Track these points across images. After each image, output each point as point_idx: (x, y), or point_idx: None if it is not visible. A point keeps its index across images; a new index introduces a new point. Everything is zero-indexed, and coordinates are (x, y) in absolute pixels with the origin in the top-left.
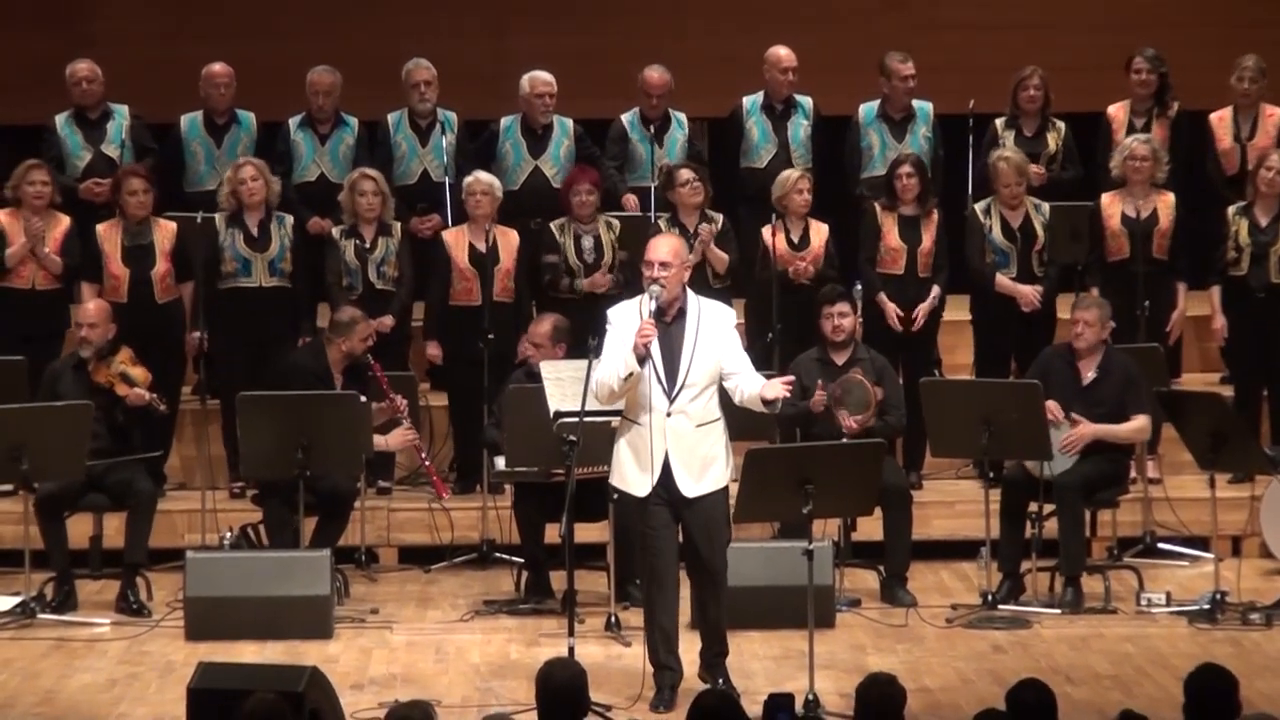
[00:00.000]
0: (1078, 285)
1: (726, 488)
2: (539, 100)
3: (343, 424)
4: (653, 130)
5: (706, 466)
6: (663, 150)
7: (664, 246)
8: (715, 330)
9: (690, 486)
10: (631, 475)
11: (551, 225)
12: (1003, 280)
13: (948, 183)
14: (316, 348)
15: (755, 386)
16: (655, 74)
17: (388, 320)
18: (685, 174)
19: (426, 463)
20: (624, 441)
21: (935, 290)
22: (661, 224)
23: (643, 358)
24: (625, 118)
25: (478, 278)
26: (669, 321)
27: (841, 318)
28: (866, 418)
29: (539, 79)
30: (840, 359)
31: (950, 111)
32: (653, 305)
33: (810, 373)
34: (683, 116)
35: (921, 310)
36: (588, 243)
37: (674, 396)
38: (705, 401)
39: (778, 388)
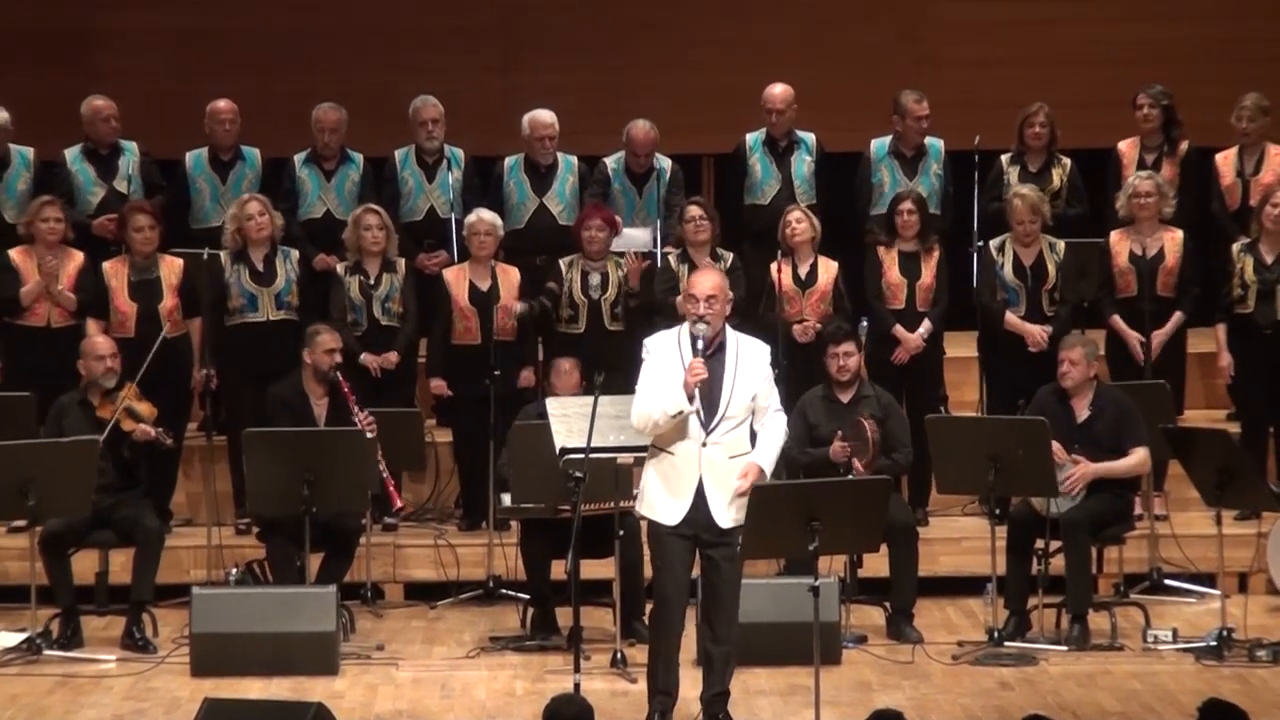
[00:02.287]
0: (1084, 321)
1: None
2: (539, 143)
3: (348, 460)
4: (634, 184)
5: (739, 497)
6: (641, 202)
7: (708, 281)
8: (753, 365)
9: (724, 517)
10: (661, 503)
11: (561, 261)
12: (1011, 318)
13: (955, 219)
14: (295, 377)
15: (760, 441)
16: (641, 131)
17: (392, 357)
18: (692, 210)
19: (384, 473)
20: (654, 471)
21: (925, 324)
22: (671, 260)
23: (692, 396)
24: (610, 163)
25: (478, 316)
26: (709, 354)
27: (846, 357)
28: (869, 460)
29: (539, 120)
30: (846, 397)
31: (956, 148)
32: (700, 344)
33: (817, 411)
34: (666, 165)
35: (910, 341)
36: (595, 279)
37: (712, 428)
38: (740, 434)
39: (744, 484)
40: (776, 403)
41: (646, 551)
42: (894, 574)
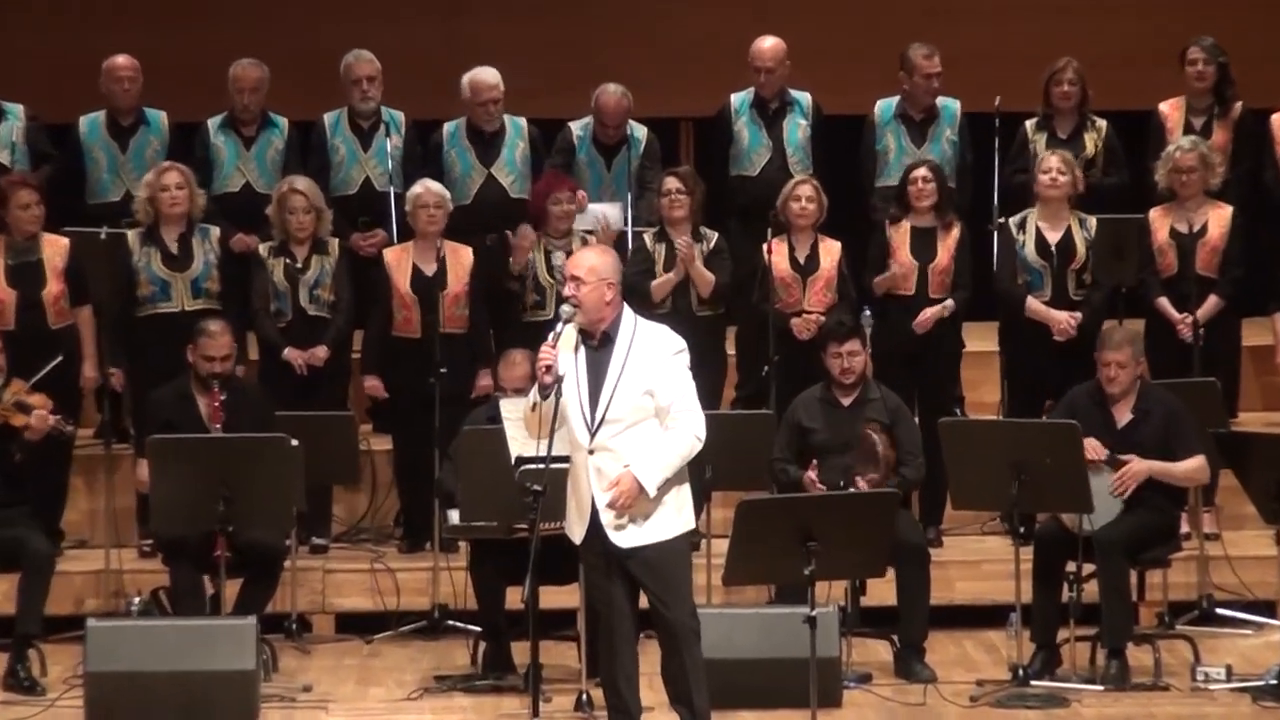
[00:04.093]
0: (1121, 308)
1: (683, 537)
2: (482, 108)
3: (271, 471)
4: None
5: (644, 515)
6: (610, 176)
7: (580, 261)
8: (648, 357)
9: (620, 536)
10: (572, 518)
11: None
12: (1034, 305)
13: (974, 193)
14: (181, 379)
15: (651, 445)
16: (612, 100)
17: (320, 352)
18: (669, 182)
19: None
20: (569, 481)
21: (949, 302)
22: (646, 239)
23: (546, 387)
24: (576, 129)
25: (417, 305)
26: (595, 347)
27: (852, 357)
28: (879, 480)
29: (481, 82)
30: (847, 399)
31: (973, 110)
32: (560, 328)
33: (813, 414)
34: (641, 134)
35: (929, 314)
36: (560, 259)
37: (594, 431)
38: (636, 439)
39: (612, 495)
40: (688, 403)
41: None
42: (902, 602)
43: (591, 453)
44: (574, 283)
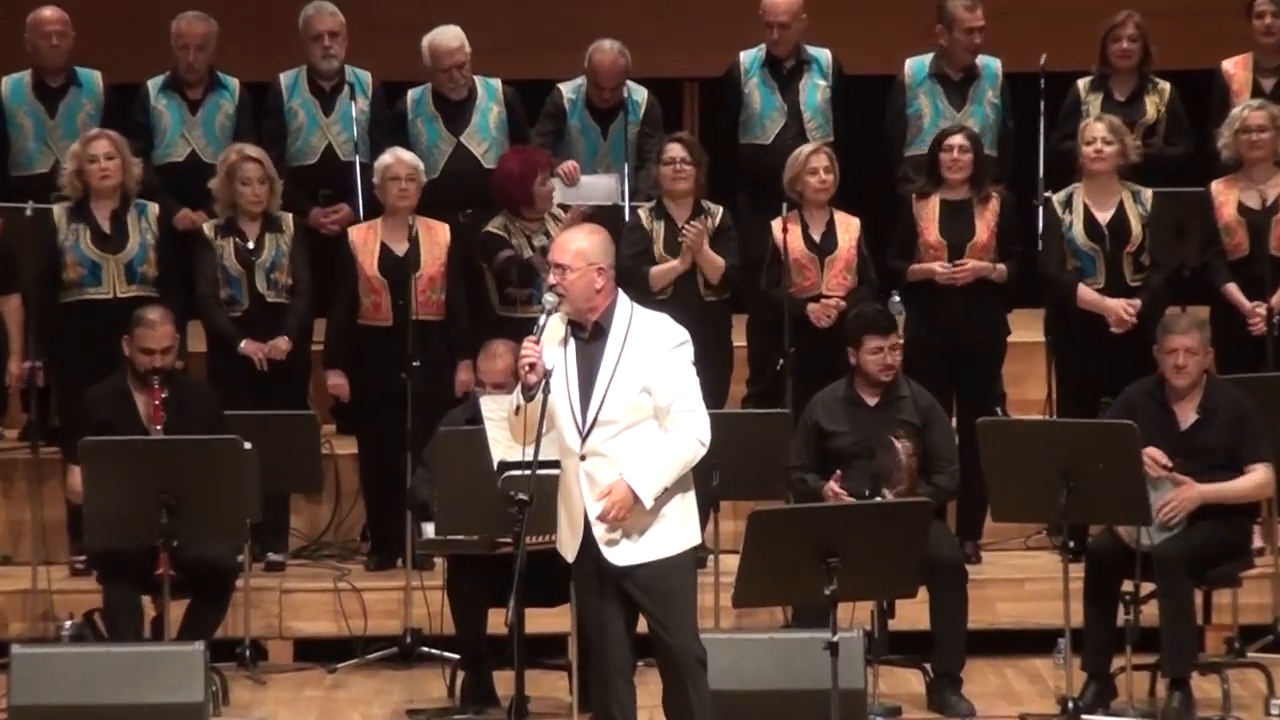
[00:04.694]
0: (1183, 294)
1: (687, 554)
2: (445, 75)
3: (221, 478)
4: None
5: (642, 529)
6: (607, 144)
7: (565, 244)
8: (645, 351)
9: (615, 552)
10: (563, 532)
11: (493, 226)
12: (1086, 292)
13: (1017, 164)
14: (119, 373)
15: (647, 450)
16: (608, 59)
17: (282, 343)
18: (673, 150)
19: None
20: (560, 491)
21: (1001, 267)
22: (642, 214)
23: (530, 387)
24: (567, 91)
25: (388, 290)
26: (586, 340)
27: (893, 352)
28: (903, 491)
29: (442, 46)
30: (874, 398)
31: (1018, 69)
32: (544, 321)
33: (835, 415)
34: (640, 97)
35: (971, 266)
36: (541, 242)
37: (586, 434)
38: (632, 442)
39: (603, 506)
40: (689, 402)
41: None
42: (936, 626)
43: (583, 458)
44: (559, 270)
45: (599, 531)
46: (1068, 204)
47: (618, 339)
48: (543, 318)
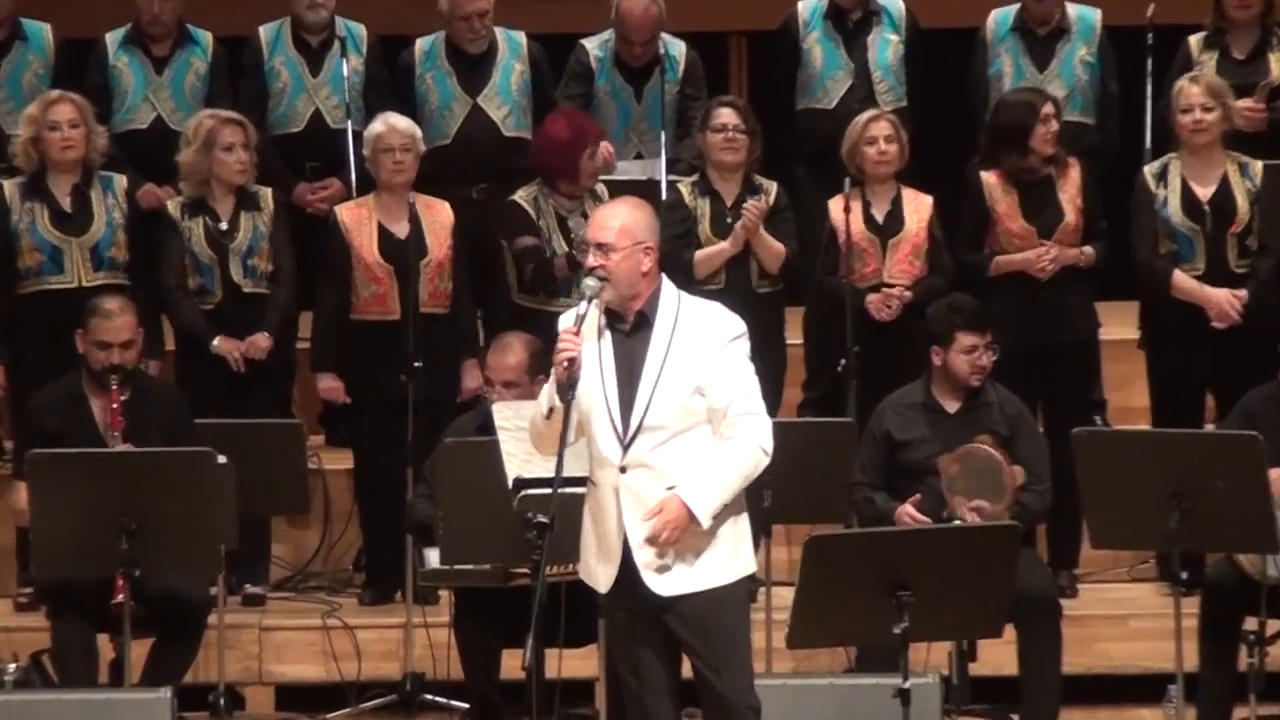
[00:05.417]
0: None
1: (741, 584)
2: (464, 23)
3: (191, 497)
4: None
5: (693, 553)
6: (641, 108)
7: (607, 219)
8: (698, 345)
9: (662, 581)
10: (593, 562)
11: (519, 196)
12: (1182, 280)
13: (1120, 133)
14: (73, 374)
15: (705, 461)
16: (638, 8)
17: (262, 341)
18: (724, 115)
19: None
20: (587, 512)
21: (1089, 249)
22: (684, 190)
23: (566, 386)
24: (593, 48)
25: (393, 278)
26: (627, 332)
27: (987, 353)
28: (997, 512)
29: None
30: (954, 404)
31: (1119, 21)
32: (583, 307)
33: (909, 424)
34: (678, 51)
35: (1056, 254)
36: (576, 223)
37: (629, 443)
38: (682, 452)
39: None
40: (750, 404)
41: None
42: (1025, 671)
43: (623, 470)
44: (601, 250)
45: (644, 557)
46: (1162, 177)
47: (664, 331)
48: (583, 305)
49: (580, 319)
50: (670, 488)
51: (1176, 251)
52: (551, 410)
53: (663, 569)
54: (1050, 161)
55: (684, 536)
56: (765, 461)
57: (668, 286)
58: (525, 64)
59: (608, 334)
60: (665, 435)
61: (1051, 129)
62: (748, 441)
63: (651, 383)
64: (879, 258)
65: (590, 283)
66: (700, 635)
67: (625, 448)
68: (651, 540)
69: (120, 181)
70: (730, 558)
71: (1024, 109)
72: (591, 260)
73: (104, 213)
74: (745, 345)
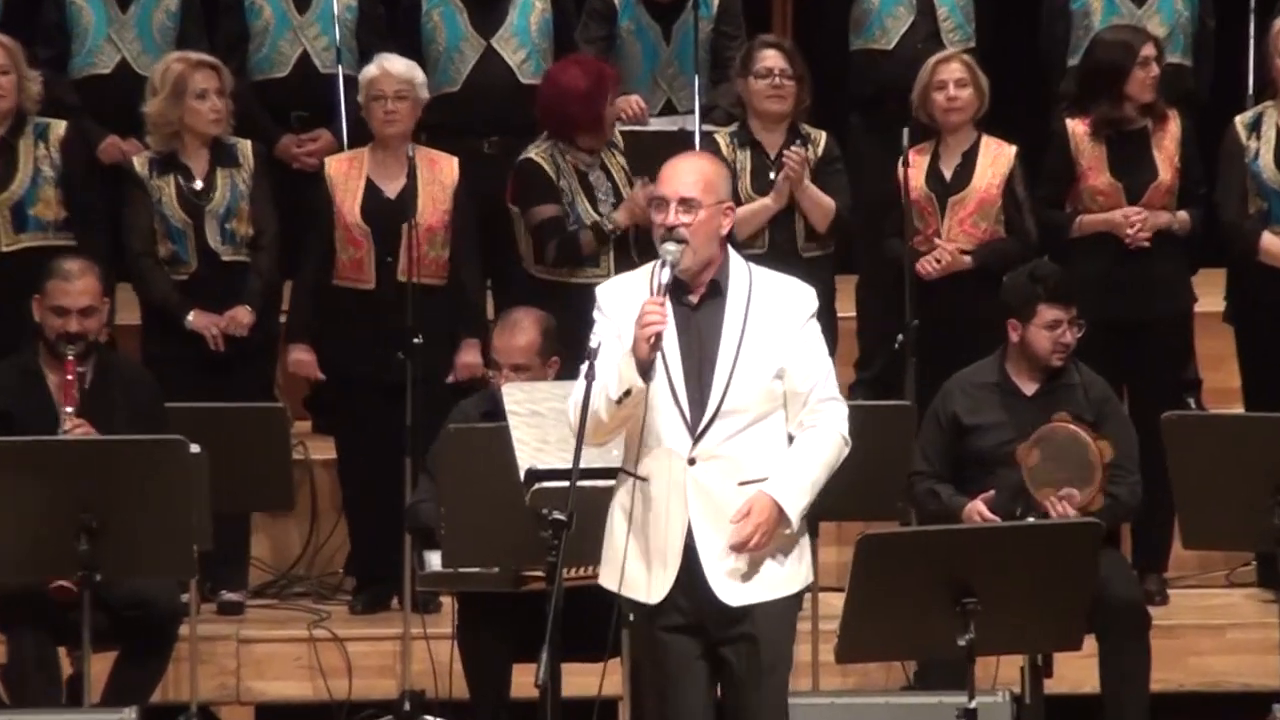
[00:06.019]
0: None
1: (799, 596)
2: None
3: (160, 491)
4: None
5: (763, 559)
6: (670, 50)
7: (685, 173)
8: (777, 320)
9: (731, 590)
10: (635, 570)
11: (534, 153)
12: (1272, 243)
13: (1217, 80)
14: (29, 350)
15: (791, 456)
16: None
17: (242, 315)
18: (769, 57)
19: None
20: (620, 511)
21: (1182, 215)
22: (721, 141)
23: (648, 363)
24: None
25: (370, 241)
26: (695, 304)
27: (1071, 329)
28: (1088, 496)
29: None
30: (1031, 386)
31: None
32: (666, 275)
33: (979, 407)
34: None
35: (1148, 219)
36: (598, 179)
37: (701, 433)
38: (758, 442)
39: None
40: (830, 388)
41: None
42: (1109, 688)
43: (692, 463)
44: (683, 206)
45: (720, 564)
46: (1254, 128)
47: (739, 304)
48: (664, 272)
49: (664, 288)
50: (743, 483)
51: (1267, 211)
52: (627, 393)
53: (742, 576)
54: (1147, 111)
55: (774, 540)
56: (846, 451)
57: (734, 254)
58: (545, 3)
59: (670, 308)
60: (742, 423)
61: (1151, 73)
62: (832, 431)
63: (730, 363)
64: (938, 217)
65: (671, 246)
66: (752, 649)
67: (696, 438)
68: (740, 546)
69: (56, 129)
70: (797, 564)
71: (1121, 49)
72: (672, 218)
73: (30, 166)
74: (818, 322)
